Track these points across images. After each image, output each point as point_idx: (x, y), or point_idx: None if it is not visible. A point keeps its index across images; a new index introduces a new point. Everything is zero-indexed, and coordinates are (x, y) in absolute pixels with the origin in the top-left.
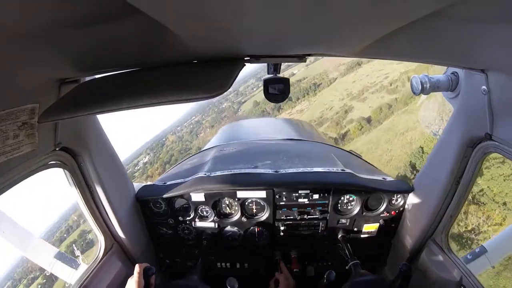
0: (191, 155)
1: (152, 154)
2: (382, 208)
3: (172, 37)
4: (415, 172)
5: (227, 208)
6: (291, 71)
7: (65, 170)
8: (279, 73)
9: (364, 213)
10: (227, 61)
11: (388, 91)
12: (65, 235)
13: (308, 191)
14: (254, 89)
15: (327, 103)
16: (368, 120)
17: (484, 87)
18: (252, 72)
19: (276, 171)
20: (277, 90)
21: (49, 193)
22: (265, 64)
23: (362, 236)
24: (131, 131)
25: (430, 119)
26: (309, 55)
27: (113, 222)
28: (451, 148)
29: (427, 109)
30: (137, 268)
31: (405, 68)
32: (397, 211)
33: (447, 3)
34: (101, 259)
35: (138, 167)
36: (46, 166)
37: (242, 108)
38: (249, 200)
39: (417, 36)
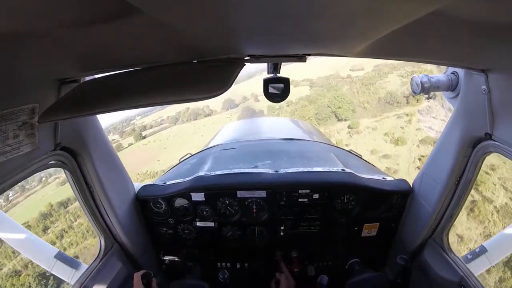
0: (191, 155)
1: None
2: (382, 208)
3: (172, 37)
4: None
5: (227, 208)
6: None
7: (65, 170)
8: (279, 73)
9: (364, 213)
10: (227, 61)
11: None
12: None
13: (308, 191)
14: None
15: None
16: None
17: (484, 87)
18: None
19: (276, 171)
20: (277, 90)
21: None
22: None
23: (362, 236)
24: None
25: None
26: (309, 55)
27: (113, 222)
28: (451, 148)
29: None
30: (134, 278)
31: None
32: (397, 211)
33: (447, 2)
34: (102, 259)
35: None
36: (46, 166)
37: None
38: (249, 200)
39: (417, 36)
